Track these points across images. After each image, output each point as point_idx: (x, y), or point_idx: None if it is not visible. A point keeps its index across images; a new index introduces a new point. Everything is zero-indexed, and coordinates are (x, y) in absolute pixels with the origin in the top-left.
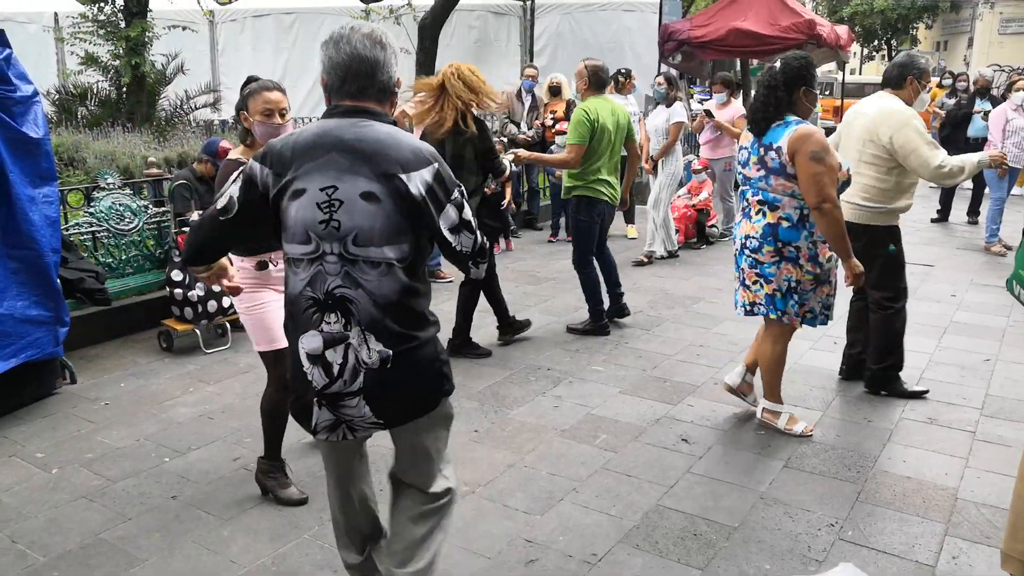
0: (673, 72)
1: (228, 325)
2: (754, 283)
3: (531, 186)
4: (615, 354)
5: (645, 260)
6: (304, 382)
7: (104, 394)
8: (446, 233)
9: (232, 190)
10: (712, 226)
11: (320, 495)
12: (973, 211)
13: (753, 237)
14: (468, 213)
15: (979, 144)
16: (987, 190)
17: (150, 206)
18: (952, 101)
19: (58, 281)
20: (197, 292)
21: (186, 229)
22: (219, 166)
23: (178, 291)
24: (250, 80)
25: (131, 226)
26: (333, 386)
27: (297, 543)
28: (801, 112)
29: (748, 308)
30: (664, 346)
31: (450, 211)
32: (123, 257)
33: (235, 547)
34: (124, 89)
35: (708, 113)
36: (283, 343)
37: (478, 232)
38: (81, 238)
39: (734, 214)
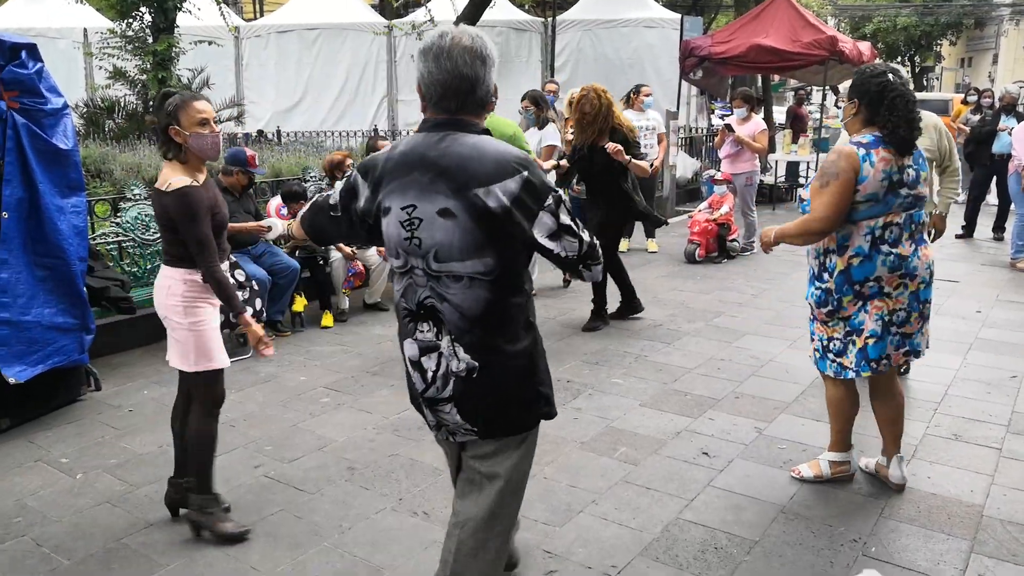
0: (540, 91)
1: None
2: (930, 315)
3: None
4: (635, 367)
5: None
6: (410, 384)
7: (128, 401)
8: (544, 241)
9: (338, 191)
10: (733, 240)
11: (323, 515)
12: (999, 227)
13: (932, 263)
14: (566, 217)
15: (1004, 161)
16: (1013, 206)
17: None
18: (977, 118)
19: (84, 289)
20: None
21: None
22: (251, 175)
23: None
24: (167, 95)
25: (156, 236)
26: (428, 391)
27: (317, 551)
28: None
29: (926, 347)
30: (685, 359)
31: (544, 218)
32: (148, 266)
33: (255, 554)
34: (151, 103)
35: (728, 128)
36: (221, 363)
37: (584, 233)
38: (107, 247)
39: (755, 228)
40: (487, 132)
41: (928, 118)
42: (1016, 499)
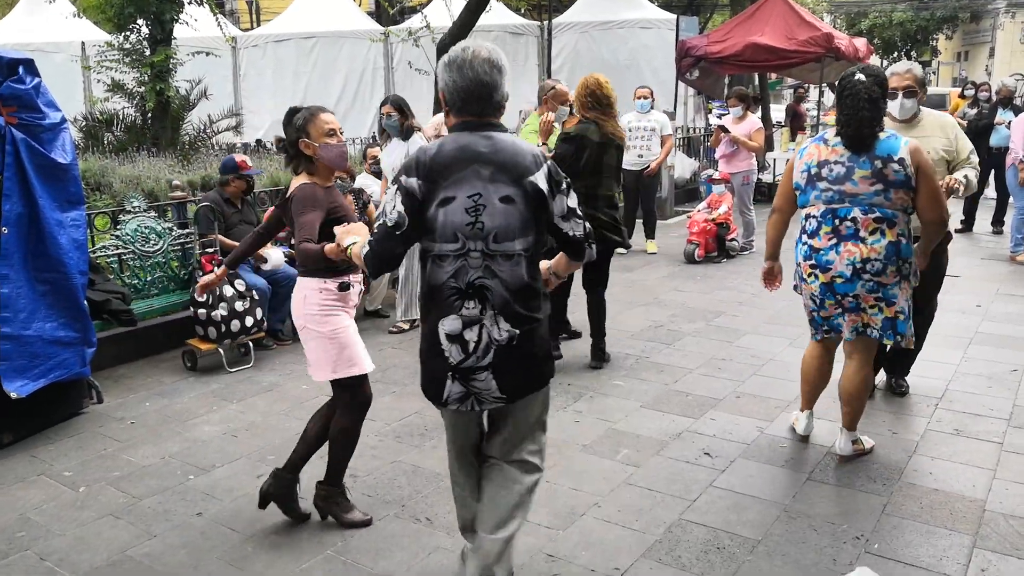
0: (403, 98)
1: (251, 344)
2: (872, 307)
3: None
4: (636, 368)
5: (405, 328)
6: (441, 359)
7: (130, 413)
8: (559, 222)
9: (398, 208)
10: (732, 240)
11: (326, 523)
12: (998, 221)
13: (876, 260)
14: (573, 201)
15: (1002, 154)
16: (1011, 199)
17: (174, 228)
18: (974, 111)
19: (85, 303)
20: (220, 312)
21: (209, 250)
22: (248, 179)
23: (202, 311)
24: (294, 111)
25: (156, 248)
26: (467, 361)
27: (321, 558)
28: None
29: (860, 330)
30: (686, 360)
31: (560, 201)
32: (148, 278)
33: (259, 563)
34: (149, 115)
35: (723, 128)
36: (367, 367)
37: (583, 218)
38: (108, 260)
39: (753, 227)
40: (507, 131)
41: (939, 118)
42: (1018, 493)
